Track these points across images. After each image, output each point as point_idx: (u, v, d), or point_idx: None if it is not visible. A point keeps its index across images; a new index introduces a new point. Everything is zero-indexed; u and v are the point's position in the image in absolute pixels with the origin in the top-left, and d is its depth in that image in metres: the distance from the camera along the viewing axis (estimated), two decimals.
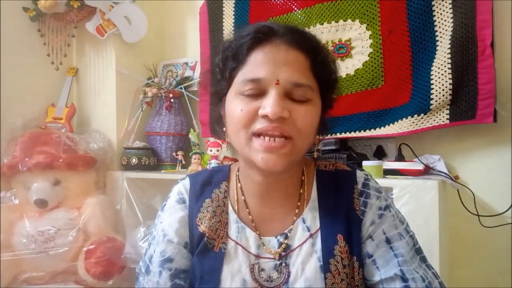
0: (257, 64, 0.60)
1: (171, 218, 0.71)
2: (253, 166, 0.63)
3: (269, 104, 0.57)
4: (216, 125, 0.71)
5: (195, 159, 1.71)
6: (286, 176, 0.67)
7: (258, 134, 0.59)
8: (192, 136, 1.81)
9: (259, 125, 0.58)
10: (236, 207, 0.70)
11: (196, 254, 0.68)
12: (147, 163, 1.79)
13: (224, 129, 0.67)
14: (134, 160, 1.77)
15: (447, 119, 1.30)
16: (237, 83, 0.61)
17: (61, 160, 1.62)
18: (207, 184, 0.73)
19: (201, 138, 1.88)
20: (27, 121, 1.74)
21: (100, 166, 1.80)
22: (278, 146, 0.58)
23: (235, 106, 0.60)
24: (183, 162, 1.84)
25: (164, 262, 0.68)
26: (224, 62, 0.65)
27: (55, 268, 1.58)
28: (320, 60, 0.63)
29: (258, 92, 0.59)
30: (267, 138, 0.58)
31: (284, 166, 0.59)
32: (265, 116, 0.57)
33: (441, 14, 1.33)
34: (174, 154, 1.86)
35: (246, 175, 0.70)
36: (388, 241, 0.64)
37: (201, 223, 0.68)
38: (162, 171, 1.81)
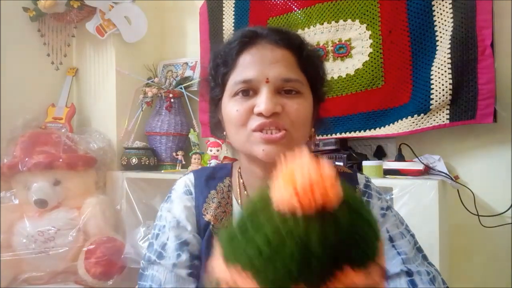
0: (246, 66, 0.63)
1: (180, 206, 0.72)
2: (254, 160, 0.65)
3: (262, 102, 0.60)
4: (216, 130, 0.74)
5: (195, 159, 1.71)
6: None
7: (256, 130, 0.61)
8: (192, 136, 1.81)
9: (256, 122, 0.61)
10: (239, 200, 0.72)
11: (202, 243, 0.69)
12: (147, 163, 1.79)
13: (224, 133, 0.70)
14: (134, 160, 1.77)
15: (447, 119, 1.30)
16: (230, 86, 0.65)
17: (61, 160, 1.62)
18: (210, 179, 0.75)
19: (201, 138, 1.88)
20: (27, 121, 1.74)
21: (100, 166, 1.80)
22: (277, 137, 0.60)
23: (231, 108, 0.64)
24: (183, 162, 1.84)
25: (181, 245, 0.68)
26: (215, 69, 0.69)
27: (55, 268, 1.58)
28: (305, 56, 0.66)
29: (250, 92, 0.63)
30: (264, 131, 0.61)
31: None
32: (260, 114, 0.60)
33: (441, 14, 1.33)
34: (174, 154, 1.86)
35: (248, 171, 0.72)
36: (391, 239, 0.67)
37: (207, 213, 0.71)
38: (162, 171, 1.81)
